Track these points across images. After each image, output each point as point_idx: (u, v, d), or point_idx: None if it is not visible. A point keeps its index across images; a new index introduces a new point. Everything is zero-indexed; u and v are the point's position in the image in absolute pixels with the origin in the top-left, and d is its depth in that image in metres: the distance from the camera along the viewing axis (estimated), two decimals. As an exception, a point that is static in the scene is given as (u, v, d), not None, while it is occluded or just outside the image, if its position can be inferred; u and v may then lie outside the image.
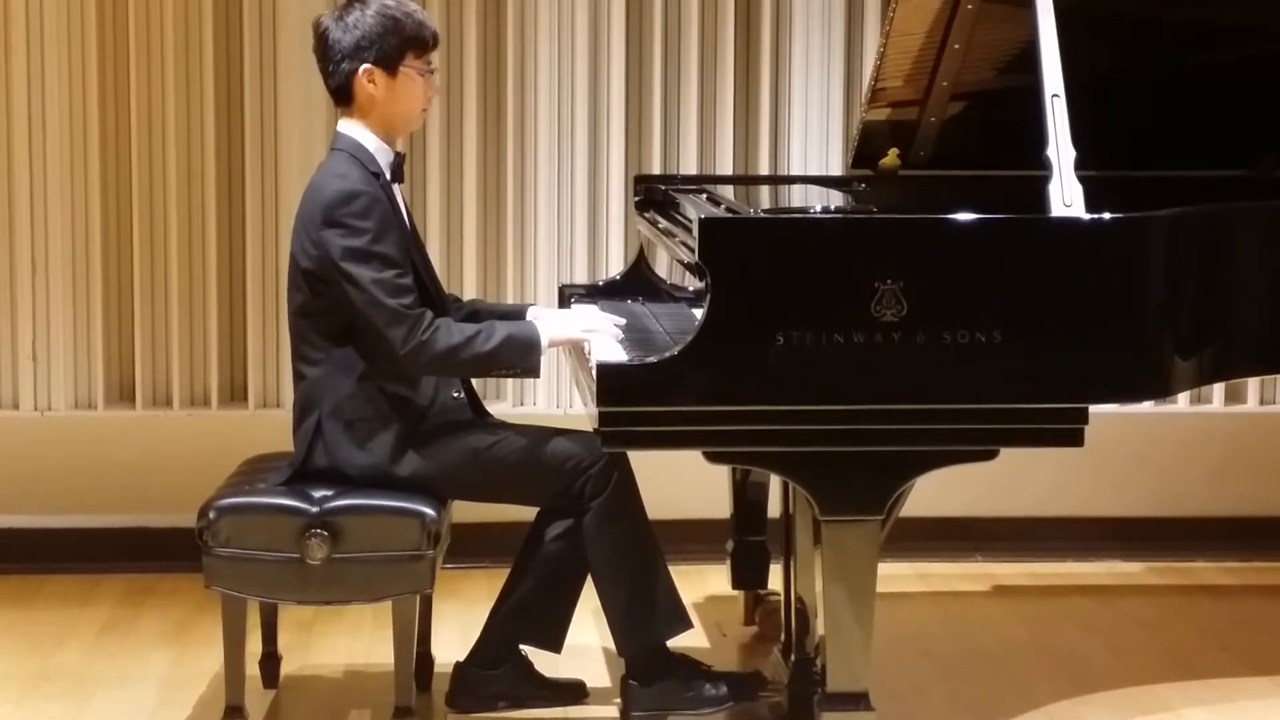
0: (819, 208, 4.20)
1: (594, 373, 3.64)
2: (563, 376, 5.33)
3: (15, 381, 5.32)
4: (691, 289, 4.28)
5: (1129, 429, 5.47)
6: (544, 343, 3.91)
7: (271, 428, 4.74)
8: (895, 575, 5.15)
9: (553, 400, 5.40)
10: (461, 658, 4.15)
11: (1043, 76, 3.78)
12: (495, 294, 5.38)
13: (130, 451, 5.37)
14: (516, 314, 4.17)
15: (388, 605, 3.89)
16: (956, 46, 4.36)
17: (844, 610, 3.69)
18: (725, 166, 5.39)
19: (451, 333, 3.87)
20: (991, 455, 3.70)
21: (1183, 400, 5.51)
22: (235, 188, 5.32)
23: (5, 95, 5.23)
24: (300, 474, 3.95)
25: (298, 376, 4.01)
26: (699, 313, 3.65)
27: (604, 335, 3.98)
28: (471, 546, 4.87)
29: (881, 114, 4.57)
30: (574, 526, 3.99)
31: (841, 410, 3.60)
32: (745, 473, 4.60)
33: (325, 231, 3.85)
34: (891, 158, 4.62)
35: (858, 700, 3.73)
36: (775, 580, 4.55)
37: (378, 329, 3.84)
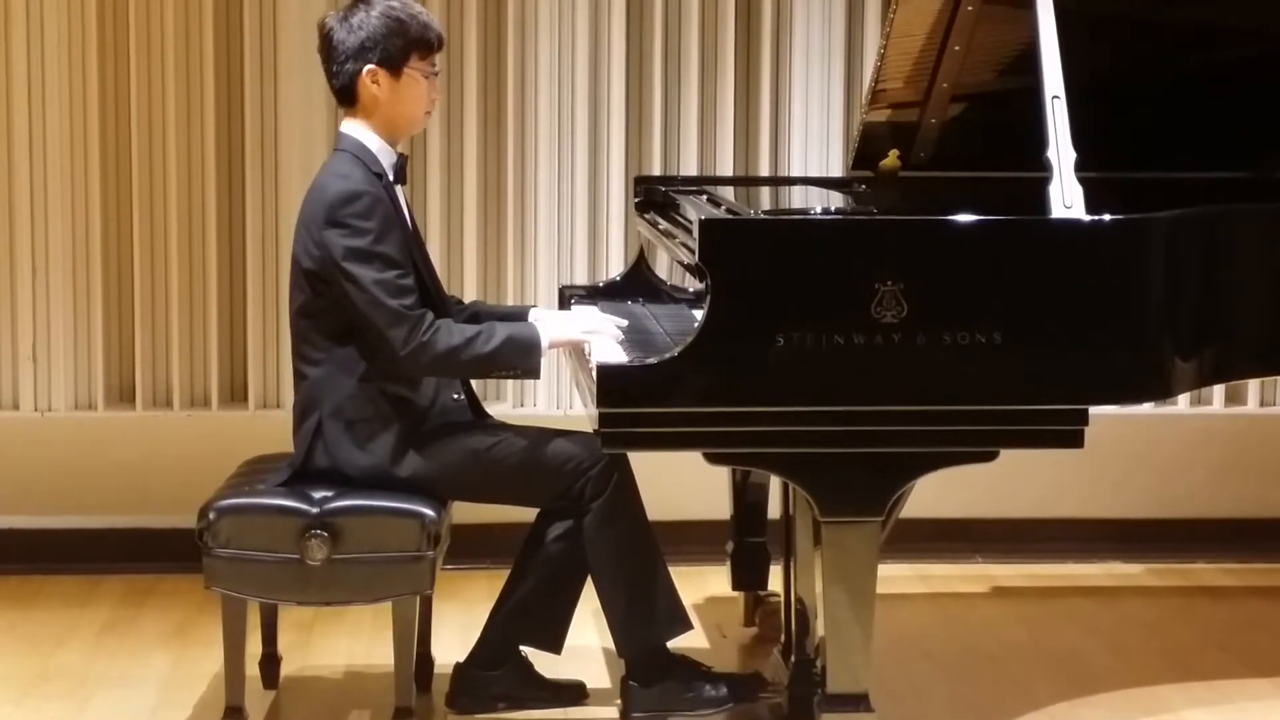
0: (819, 209, 4.20)
1: (594, 374, 3.64)
2: (563, 378, 5.33)
3: (15, 382, 5.32)
4: (692, 290, 4.27)
5: (1129, 430, 5.47)
6: (544, 344, 3.91)
7: (271, 428, 4.74)
8: (895, 576, 5.15)
9: (553, 401, 5.40)
10: (461, 659, 4.15)
11: (1043, 78, 3.78)
12: (495, 295, 5.38)
13: (130, 452, 5.37)
14: (518, 315, 4.17)
15: (388, 606, 3.89)
16: (957, 48, 4.36)
17: (844, 611, 3.69)
18: (725, 168, 5.39)
19: (452, 334, 3.87)
20: (991, 456, 3.70)
21: (1183, 402, 5.51)
22: (235, 188, 5.32)
23: (6, 96, 5.23)
24: (300, 475, 3.96)
25: (298, 377, 4.01)
26: (699, 314, 3.65)
27: (604, 336, 3.98)
28: (471, 547, 4.87)
29: (882, 115, 4.57)
30: (574, 527, 3.99)
31: (842, 411, 3.60)
32: (745, 474, 4.60)
33: (328, 231, 3.86)
34: (892, 159, 4.62)
35: (858, 701, 3.73)
36: (775, 581, 4.55)
37: (379, 329, 3.84)
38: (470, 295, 5.22)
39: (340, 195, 3.86)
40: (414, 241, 4.04)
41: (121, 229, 5.31)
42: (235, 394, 5.40)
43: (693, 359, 3.57)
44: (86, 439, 5.37)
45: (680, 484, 4.58)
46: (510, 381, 5.31)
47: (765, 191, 5.20)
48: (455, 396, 4.11)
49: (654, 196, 4.69)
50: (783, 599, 4.23)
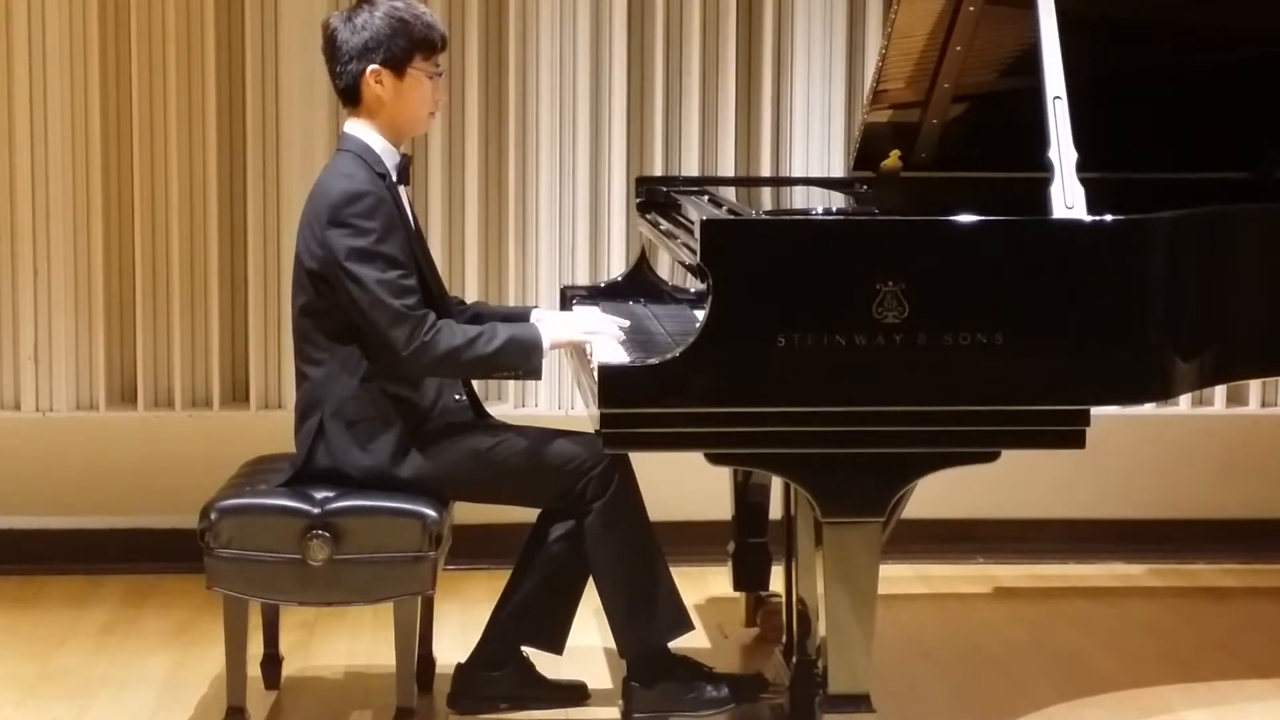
0: (821, 209, 4.21)
1: (596, 374, 3.65)
2: (564, 378, 5.33)
3: (17, 382, 5.32)
4: (693, 290, 4.27)
5: (1130, 431, 5.47)
6: (546, 345, 3.91)
7: (273, 428, 4.74)
8: (897, 577, 5.15)
9: (554, 402, 5.40)
10: (463, 659, 4.15)
11: (1044, 78, 3.78)
12: (497, 296, 5.38)
13: (132, 452, 5.37)
14: (520, 316, 4.17)
15: (389, 606, 3.89)
16: (958, 48, 4.36)
17: (845, 612, 3.69)
18: (727, 168, 5.39)
19: (454, 334, 3.87)
20: (993, 457, 3.70)
21: (1184, 402, 5.51)
22: (237, 188, 5.32)
23: (7, 96, 5.23)
24: (302, 475, 3.96)
25: (300, 377, 4.01)
26: (701, 314, 3.65)
27: (606, 337, 3.99)
28: (473, 548, 4.87)
29: (883, 116, 4.57)
30: (576, 528, 3.99)
31: (843, 412, 3.60)
32: (747, 474, 4.60)
33: (330, 231, 3.86)
34: (893, 159, 4.62)
35: (859, 702, 3.73)
36: (776, 582, 4.55)
37: (381, 329, 3.84)
38: (472, 296, 5.22)
39: (344, 195, 3.86)
40: (417, 242, 4.04)
41: (123, 229, 5.31)
42: (237, 394, 5.40)
43: (694, 359, 3.57)
44: (88, 439, 5.37)
45: (682, 484, 4.58)
46: (511, 382, 5.30)
47: (767, 192, 5.20)
48: (457, 397, 4.11)
49: (655, 197, 4.68)
50: (784, 599, 4.23)
